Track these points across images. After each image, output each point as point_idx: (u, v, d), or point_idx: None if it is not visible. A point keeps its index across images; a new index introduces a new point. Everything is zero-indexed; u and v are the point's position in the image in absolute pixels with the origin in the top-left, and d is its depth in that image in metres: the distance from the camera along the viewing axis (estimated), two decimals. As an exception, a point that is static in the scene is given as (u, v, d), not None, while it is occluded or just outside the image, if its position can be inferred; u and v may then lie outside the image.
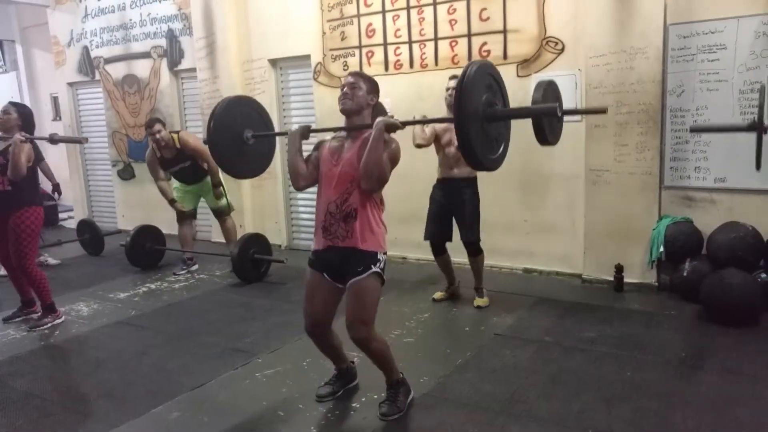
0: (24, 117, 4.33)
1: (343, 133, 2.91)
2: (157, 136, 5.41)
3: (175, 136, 5.53)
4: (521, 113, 2.76)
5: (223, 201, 5.80)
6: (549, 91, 2.94)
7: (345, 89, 2.82)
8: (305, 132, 2.98)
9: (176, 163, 5.55)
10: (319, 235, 2.87)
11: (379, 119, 2.70)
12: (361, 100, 2.81)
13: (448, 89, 4.14)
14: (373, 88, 2.87)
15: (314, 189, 2.95)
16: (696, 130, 3.80)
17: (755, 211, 4.19)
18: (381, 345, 2.89)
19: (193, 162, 5.54)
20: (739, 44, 4.23)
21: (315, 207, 2.94)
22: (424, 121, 3.27)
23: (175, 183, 5.81)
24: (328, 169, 2.82)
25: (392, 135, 2.79)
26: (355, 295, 2.77)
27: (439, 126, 4.25)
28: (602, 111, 3.36)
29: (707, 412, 2.81)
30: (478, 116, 2.43)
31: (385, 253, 2.85)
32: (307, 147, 2.88)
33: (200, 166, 5.58)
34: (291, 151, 2.92)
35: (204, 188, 5.76)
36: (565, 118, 4.80)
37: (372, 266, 2.76)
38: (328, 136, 3.02)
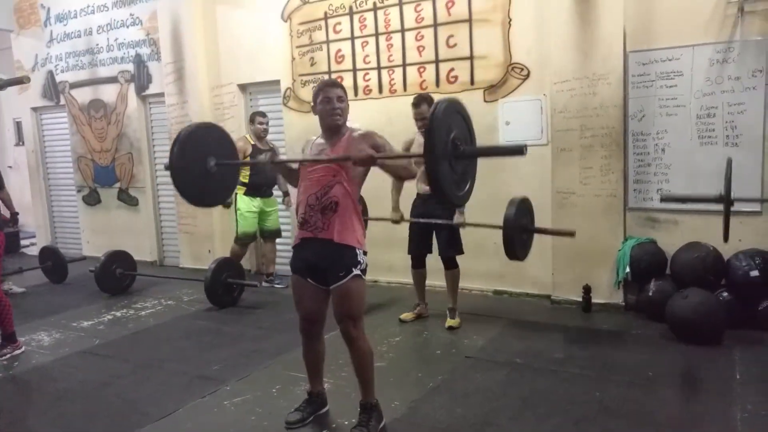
0: None
1: (321, 140, 2.99)
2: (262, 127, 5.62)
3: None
4: (489, 152, 2.84)
5: (275, 224, 5.92)
6: (521, 207, 3.34)
7: (334, 104, 2.87)
8: (273, 157, 3.06)
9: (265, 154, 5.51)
10: (298, 231, 2.94)
11: (354, 156, 2.74)
12: (347, 112, 2.94)
13: (418, 120, 4.27)
14: (346, 93, 2.99)
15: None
16: (667, 199, 4.02)
17: (716, 232, 4.29)
18: (367, 347, 2.91)
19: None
20: (695, 71, 4.39)
21: (296, 204, 3.04)
22: (393, 156, 3.33)
23: (243, 204, 5.68)
24: (311, 168, 2.90)
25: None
26: (341, 298, 2.83)
27: (411, 144, 4.35)
28: (570, 234, 3.68)
29: (675, 430, 2.85)
30: (447, 154, 2.48)
31: (365, 253, 2.89)
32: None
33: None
34: (283, 172, 3.11)
35: (269, 208, 5.85)
36: (531, 141, 4.96)
37: (353, 269, 2.81)
38: (313, 136, 3.08)
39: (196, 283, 5.62)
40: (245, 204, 5.67)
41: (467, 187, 2.70)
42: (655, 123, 4.56)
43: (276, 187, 5.80)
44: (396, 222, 4.50)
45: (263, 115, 5.71)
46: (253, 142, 5.60)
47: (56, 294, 6.22)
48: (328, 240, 2.79)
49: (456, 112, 2.57)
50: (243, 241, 5.78)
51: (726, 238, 3.26)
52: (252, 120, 5.68)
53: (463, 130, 2.58)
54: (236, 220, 5.74)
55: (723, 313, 3.95)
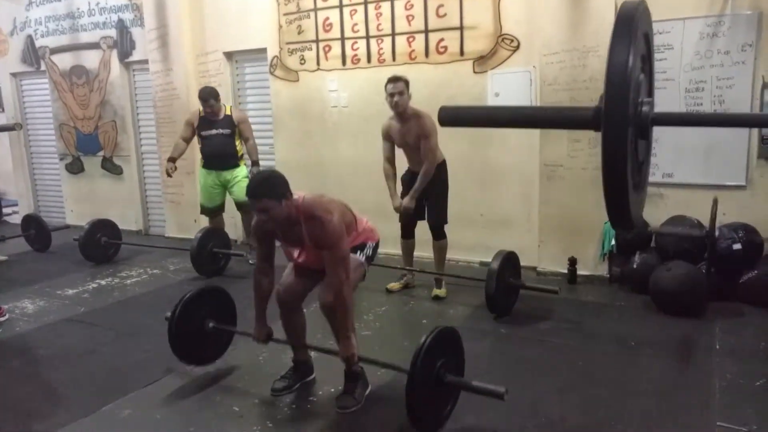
0: None
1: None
2: (209, 110, 5.26)
3: (228, 106, 5.45)
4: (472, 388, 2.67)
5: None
6: (506, 261, 3.92)
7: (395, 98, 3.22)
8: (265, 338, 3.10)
9: (216, 126, 5.29)
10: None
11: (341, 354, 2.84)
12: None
13: (391, 97, 4.12)
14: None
15: None
16: (657, 232, 4.19)
17: (700, 205, 4.35)
18: (349, 297, 2.76)
19: (231, 134, 5.33)
20: (684, 45, 4.38)
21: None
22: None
23: (202, 173, 5.52)
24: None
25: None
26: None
27: (390, 129, 4.36)
28: (554, 291, 3.99)
29: (656, 398, 2.91)
30: (432, 378, 2.56)
31: (375, 243, 3.06)
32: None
33: (233, 144, 5.36)
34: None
35: (232, 180, 5.46)
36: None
37: (359, 252, 2.93)
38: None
39: (182, 252, 5.59)
40: (202, 176, 5.51)
41: (448, 408, 2.70)
42: (643, 96, 4.55)
43: (241, 156, 5.50)
44: (397, 210, 4.45)
45: (206, 99, 5.21)
46: (202, 115, 5.34)
47: (40, 262, 6.16)
48: None
49: (450, 339, 2.72)
50: (205, 214, 5.65)
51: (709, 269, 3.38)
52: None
53: (451, 359, 2.72)
54: None
55: (705, 285, 4.01)
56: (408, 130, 4.21)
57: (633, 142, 1.40)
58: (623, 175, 1.34)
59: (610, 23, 4.50)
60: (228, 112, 5.37)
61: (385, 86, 4.14)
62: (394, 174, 4.49)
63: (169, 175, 5.43)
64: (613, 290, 4.56)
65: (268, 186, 2.64)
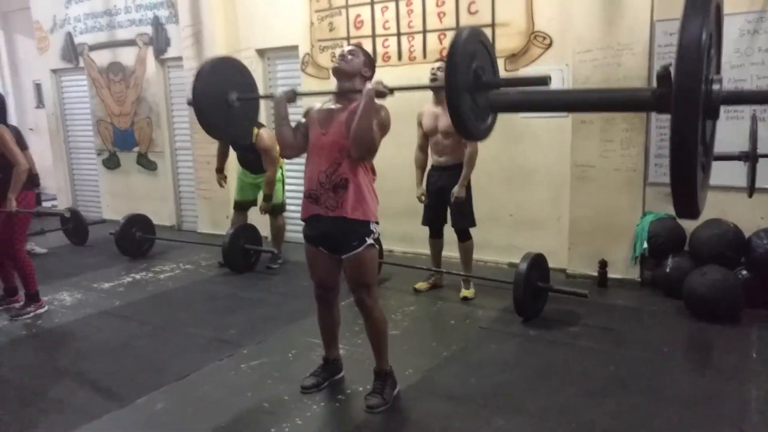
0: None
1: (331, 102, 2.91)
2: None
3: (255, 130, 5.16)
4: (513, 83, 2.66)
5: (278, 198, 5.49)
6: (534, 263, 3.97)
7: (343, 53, 2.85)
8: (291, 96, 2.95)
9: (245, 149, 5.34)
10: (306, 203, 2.88)
11: (368, 86, 2.70)
12: (355, 66, 2.83)
13: (432, 71, 4.18)
14: (370, 62, 2.91)
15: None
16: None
17: (737, 209, 4.24)
18: (381, 316, 2.94)
19: (258, 156, 5.31)
20: (724, 42, 4.25)
21: (303, 174, 2.92)
22: (413, 88, 3.29)
23: (239, 170, 5.58)
24: (317, 138, 2.83)
25: (382, 102, 2.78)
26: (353, 268, 2.84)
27: (422, 116, 4.35)
28: (583, 295, 3.96)
29: (689, 407, 2.86)
30: (468, 85, 2.41)
31: (377, 223, 2.88)
32: (295, 112, 2.85)
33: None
34: (277, 119, 2.92)
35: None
36: (551, 113, 4.89)
37: (366, 238, 2.81)
38: (317, 103, 2.99)
39: (214, 248, 5.68)
40: (239, 173, 5.56)
41: (489, 120, 2.64)
42: (680, 96, 4.45)
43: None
44: (420, 199, 4.47)
45: None
46: None
47: (77, 255, 6.34)
48: (341, 217, 2.78)
49: (479, 41, 2.50)
50: (236, 208, 5.65)
51: (750, 194, 3.17)
52: None
53: (486, 60, 2.52)
54: (282, 192, 5.58)
55: (741, 291, 3.91)
56: (443, 112, 4.16)
57: (702, 123, 1.33)
58: (693, 160, 1.27)
59: (645, 21, 4.43)
60: (254, 140, 5.13)
61: (432, 68, 4.21)
62: (424, 163, 4.49)
63: (221, 185, 5.56)
64: (644, 294, 4.48)
65: (370, 56, 2.91)
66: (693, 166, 1.27)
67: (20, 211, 4.15)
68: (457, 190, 4.24)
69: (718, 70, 1.57)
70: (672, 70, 1.26)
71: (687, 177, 1.30)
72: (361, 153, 2.74)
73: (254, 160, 5.32)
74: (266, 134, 5.16)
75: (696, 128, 1.24)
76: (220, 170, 5.47)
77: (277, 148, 5.05)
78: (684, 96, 1.23)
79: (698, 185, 1.33)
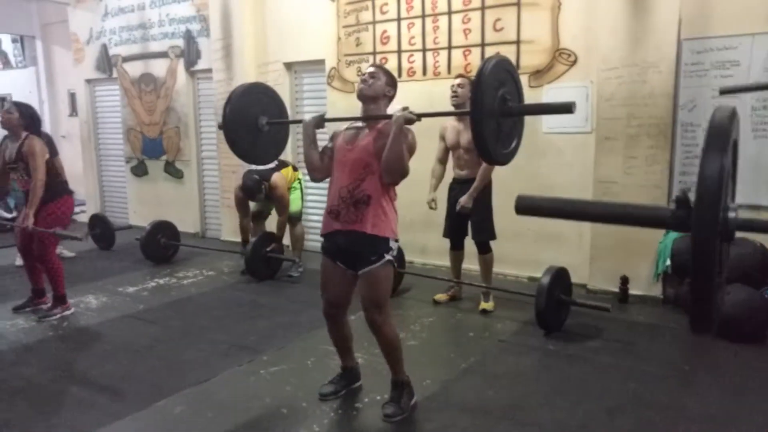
0: (26, 116, 4.36)
1: (358, 123, 2.96)
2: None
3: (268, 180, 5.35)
4: (537, 110, 2.72)
5: (297, 206, 5.57)
6: (557, 276, 4.00)
7: (365, 77, 2.90)
8: (319, 121, 3.02)
9: (264, 202, 5.60)
10: (327, 219, 2.92)
11: (397, 113, 2.75)
12: (378, 89, 2.88)
13: (453, 88, 4.23)
14: (392, 81, 2.96)
15: (325, 185, 3.00)
16: (726, 92, 3.73)
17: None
18: (393, 333, 2.93)
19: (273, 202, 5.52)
20: (753, 61, 4.24)
21: (327, 191, 2.97)
22: (440, 114, 3.36)
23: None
24: (342, 154, 2.88)
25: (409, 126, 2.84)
26: (369, 284, 2.85)
27: (445, 131, 4.40)
28: (606, 309, 4.05)
29: (709, 426, 2.82)
30: (494, 111, 2.45)
31: (396, 240, 2.90)
32: (322, 136, 2.92)
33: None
34: (306, 142, 3.00)
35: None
36: (575, 129, 4.90)
37: (385, 255, 2.83)
38: (342, 126, 3.05)
39: (237, 255, 5.76)
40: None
41: (513, 144, 2.67)
42: (706, 114, 4.42)
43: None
44: (429, 205, 4.50)
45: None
46: None
47: (104, 260, 6.48)
48: (361, 232, 2.80)
49: (505, 70, 2.54)
50: (253, 218, 5.75)
51: None
52: None
53: (511, 87, 2.55)
54: (300, 200, 5.67)
55: (766, 311, 3.85)
56: (465, 128, 4.23)
57: (719, 246, 1.48)
58: (711, 279, 1.40)
59: (672, 39, 4.41)
60: (269, 190, 5.33)
61: (452, 85, 4.26)
62: (441, 175, 4.53)
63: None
64: (666, 312, 4.43)
65: (392, 75, 2.98)
66: (711, 287, 1.38)
67: (37, 230, 4.23)
68: (464, 200, 4.27)
69: (733, 198, 1.70)
70: (690, 195, 1.40)
71: (705, 296, 1.42)
72: (394, 178, 2.81)
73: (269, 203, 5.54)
74: (279, 180, 5.32)
75: (712, 257, 1.36)
76: (246, 242, 5.57)
77: (287, 196, 5.33)
78: (702, 227, 1.36)
79: (714, 305, 1.44)
